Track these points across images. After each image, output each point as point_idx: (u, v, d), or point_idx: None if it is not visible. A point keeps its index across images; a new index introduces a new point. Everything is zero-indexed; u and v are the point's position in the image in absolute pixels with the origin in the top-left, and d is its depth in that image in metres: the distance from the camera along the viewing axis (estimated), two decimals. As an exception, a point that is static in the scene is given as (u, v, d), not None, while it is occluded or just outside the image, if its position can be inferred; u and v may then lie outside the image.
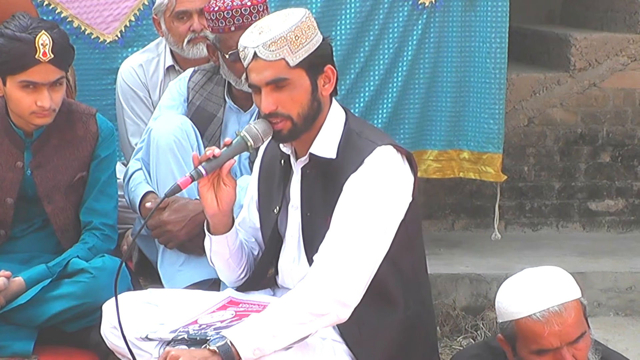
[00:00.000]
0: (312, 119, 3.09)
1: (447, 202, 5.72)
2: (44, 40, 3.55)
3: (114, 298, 3.23)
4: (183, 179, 3.03)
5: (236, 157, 3.17)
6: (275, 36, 3.00)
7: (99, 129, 3.84)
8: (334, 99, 3.18)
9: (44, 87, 3.60)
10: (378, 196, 3.01)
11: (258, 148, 3.23)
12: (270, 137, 3.10)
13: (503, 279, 3.13)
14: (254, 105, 3.98)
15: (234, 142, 3.08)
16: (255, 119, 3.93)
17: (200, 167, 3.04)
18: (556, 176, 5.76)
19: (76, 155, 3.82)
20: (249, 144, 3.07)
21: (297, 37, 3.02)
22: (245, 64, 3.07)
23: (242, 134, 3.07)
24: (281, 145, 3.20)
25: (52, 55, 3.57)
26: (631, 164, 5.78)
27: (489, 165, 4.99)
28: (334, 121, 3.14)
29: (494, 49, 4.87)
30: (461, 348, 4.48)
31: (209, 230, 3.25)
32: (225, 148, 3.08)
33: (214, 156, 3.05)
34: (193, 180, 3.04)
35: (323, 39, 3.10)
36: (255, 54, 3.02)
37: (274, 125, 3.06)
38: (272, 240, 3.29)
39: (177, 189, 3.02)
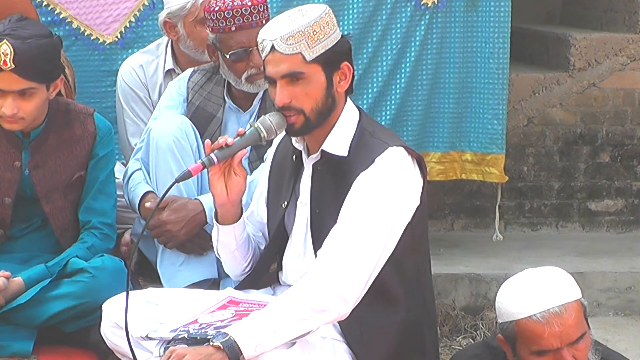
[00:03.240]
0: (326, 115, 3.10)
1: (447, 202, 5.73)
2: (4, 49, 3.53)
3: (113, 297, 3.25)
4: (194, 165, 3.04)
5: (248, 148, 3.18)
6: (293, 30, 3.02)
7: (97, 128, 3.84)
8: (349, 97, 3.19)
9: (9, 94, 3.59)
10: (386, 195, 3.02)
11: (271, 141, 3.22)
12: (284, 130, 3.11)
13: (502, 279, 3.13)
14: (253, 105, 4.00)
15: (247, 132, 3.09)
16: (255, 119, 3.93)
17: (212, 155, 3.05)
18: (556, 176, 5.76)
19: (74, 155, 3.82)
20: (262, 135, 3.08)
21: (315, 32, 3.03)
22: (262, 56, 3.09)
23: (255, 125, 3.08)
24: (294, 141, 3.21)
25: (13, 65, 3.54)
26: (630, 164, 5.78)
27: (492, 166, 4.99)
28: (348, 119, 3.15)
29: (496, 49, 4.87)
30: (461, 348, 4.48)
31: (217, 220, 3.26)
32: (238, 138, 3.09)
33: (226, 144, 3.06)
34: (204, 167, 3.05)
35: (342, 36, 3.12)
36: (273, 46, 3.04)
37: (287, 119, 3.08)
38: (278, 235, 3.30)
39: (188, 174, 3.02)
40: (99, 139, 3.83)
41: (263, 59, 3.09)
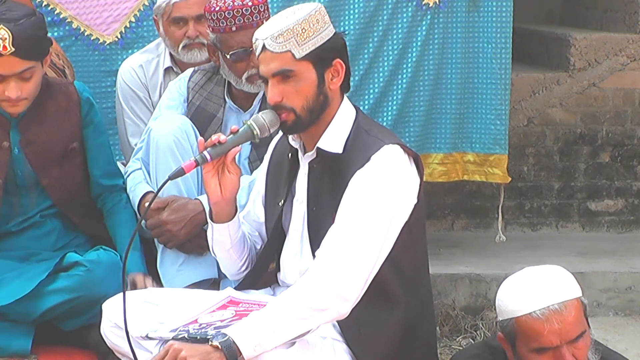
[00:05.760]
0: (318, 113, 3.11)
1: (447, 202, 5.73)
2: (2, 34, 3.56)
3: (113, 297, 3.25)
4: (187, 162, 3.04)
5: (242, 146, 3.18)
6: (282, 28, 3.04)
7: (80, 94, 3.88)
8: (345, 96, 3.19)
9: (11, 78, 3.62)
10: (382, 193, 3.02)
11: (266, 139, 3.22)
12: (277, 127, 3.12)
13: (502, 279, 3.12)
14: (253, 105, 4.00)
15: (240, 130, 3.10)
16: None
17: (205, 152, 3.06)
18: (556, 176, 5.77)
19: (65, 126, 3.85)
20: (255, 132, 3.09)
21: (304, 30, 3.05)
22: (256, 55, 3.11)
23: (249, 122, 3.09)
24: (290, 139, 3.21)
25: (13, 49, 3.57)
26: (631, 164, 5.78)
27: (496, 166, 4.98)
28: (344, 117, 3.15)
29: (498, 49, 4.86)
30: (461, 348, 4.49)
31: (211, 218, 3.26)
32: (231, 135, 3.09)
33: (219, 142, 3.07)
34: (197, 164, 3.05)
35: (335, 34, 3.12)
36: (264, 45, 3.06)
37: (279, 116, 3.08)
38: (275, 234, 3.30)
39: (181, 172, 3.03)
40: (88, 107, 3.89)
41: (257, 58, 3.11)
